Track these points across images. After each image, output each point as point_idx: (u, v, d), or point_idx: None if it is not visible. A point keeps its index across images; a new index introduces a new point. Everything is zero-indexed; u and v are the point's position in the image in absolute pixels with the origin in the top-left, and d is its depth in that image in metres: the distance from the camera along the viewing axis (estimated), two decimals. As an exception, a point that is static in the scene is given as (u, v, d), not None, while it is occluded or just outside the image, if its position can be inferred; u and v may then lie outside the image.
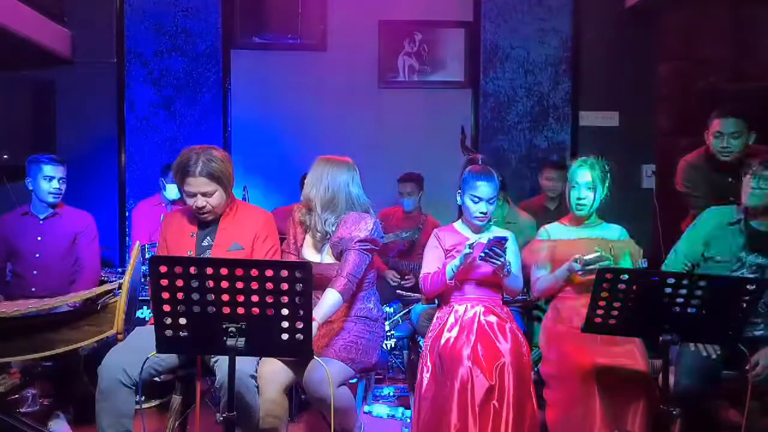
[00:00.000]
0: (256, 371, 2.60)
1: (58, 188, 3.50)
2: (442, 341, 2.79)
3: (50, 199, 3.50)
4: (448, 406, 2.62)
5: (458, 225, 3.05)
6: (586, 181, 2.90)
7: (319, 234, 2.78)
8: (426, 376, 2.78)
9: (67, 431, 3.22)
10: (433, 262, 2.97)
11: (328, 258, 2.79)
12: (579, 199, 2.92)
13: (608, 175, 2.93)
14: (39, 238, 3.51)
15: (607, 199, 2.94)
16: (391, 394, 3.79)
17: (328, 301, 2.59)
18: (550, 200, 4.54)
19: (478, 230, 2.98)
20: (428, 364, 2.80)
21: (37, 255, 3.50)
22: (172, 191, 4.14)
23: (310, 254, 2.83)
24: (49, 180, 3.48)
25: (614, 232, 2.99)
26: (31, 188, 3.52)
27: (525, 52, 5.05)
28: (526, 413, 2.70)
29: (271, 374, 2.60)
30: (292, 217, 2.92)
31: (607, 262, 2.76)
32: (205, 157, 2.66)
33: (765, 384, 2.61)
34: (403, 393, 3.77)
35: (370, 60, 5.08)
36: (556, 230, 3.04)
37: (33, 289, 3.41)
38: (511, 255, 2.88)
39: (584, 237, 2.95)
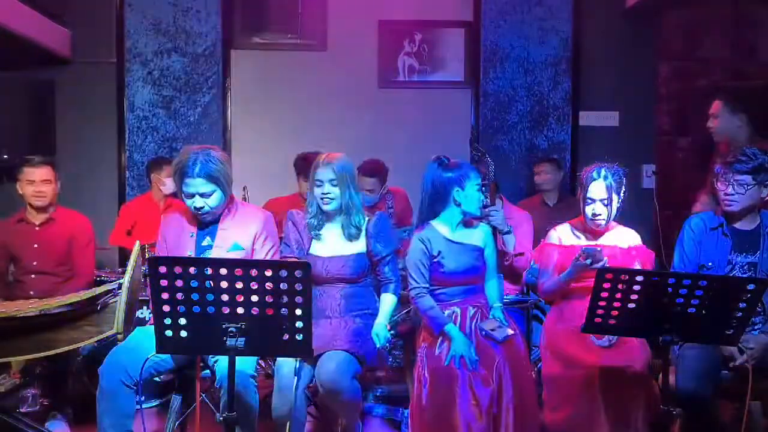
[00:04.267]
0: (256, 371, 2.61)
1: (42, 190, 3.42)
2: (440, 348, 2.75)
3: (35, 202, 3.43)
4: (453, 423, 2.58)
5: (440, 228, 2.90)
6: (601, 197, 2.82)
7: (355, 229, 2.82)
8: (424, 387, 2.73)
9: (65, 431, 3.23)
10: (422, 269, 2.85)
11: (346, 250, 2.82)
12: (595, 215, 2.85)
13: (623, 181, 2.87)
14: (35, 246, 3.48)
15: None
16: (391, 394, 3.79)
17: (389, 306, 2.86)
18: (546, 195, 4.56)
19: (461, 234, 2.92)
20: (426, 375, 2.72)
21: (35, 263, 3.48)
22: (168, 185, 4.16)
23: (326, 253, 2.82)
24: (32, 183, 3.42)
25: (626, 238, 2.93)
26: (21, 193, 3.47)
27: (525, 52, 5.04)
28: (527, 414, 2.69)
29: (284, 367, 2.59)
30: (294, 223, 2.88)
31: (604, 260, 2.75)
32: (203, 158, 2.65)
33: (763, 365, 2.62)
34: (403, 393, 3.77)
35: (370, 60, 5.08)
36: (567, 235, 2.98)
37: (32, 292, 3.41)
38: (491, 250, 2.97)
39: (595, 244, 2.89)
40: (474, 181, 2.86)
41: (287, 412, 2.55)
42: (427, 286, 2.86)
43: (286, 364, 2.61)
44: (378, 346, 2.73)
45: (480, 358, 2.68)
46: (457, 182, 2.85)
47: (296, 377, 2.55)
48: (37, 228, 3.50)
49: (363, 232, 2.84)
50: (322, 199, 2.78)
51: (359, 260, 2.82)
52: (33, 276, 3.49)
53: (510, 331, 2.77)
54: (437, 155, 2.93)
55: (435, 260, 2.85)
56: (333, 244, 2.84)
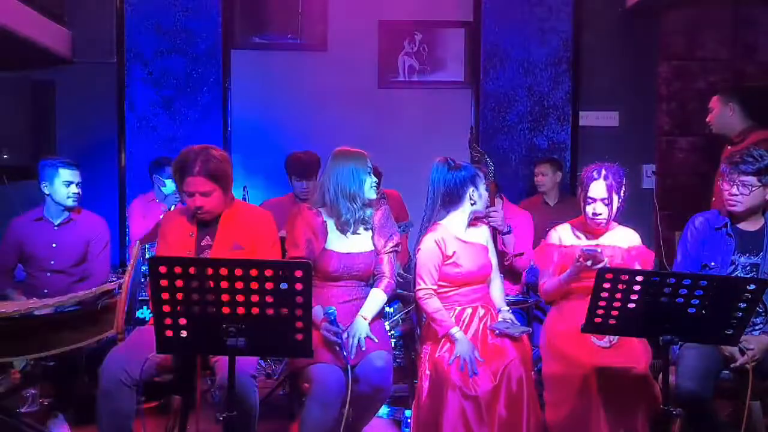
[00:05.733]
0: (256, 371, 2.61)
1: (77, 192, 3.49)
2: (441, 350, 2.76)
3: (70, 203, 3.48)
4: (439, 423, 2.61)
5: (450, 228, 2.91)
6: (601, 197, 2.82)
7: (364, 225, 2.85)
8: (425, 384, 2.78)
9: (66, 431, 3.23)
10: (433, 271, 2.84)
11: (363, 246, 2.84)
12: (595, 215, 2.85)
13: (623, 180, 2.87)
14: (54, 245, 3.50)
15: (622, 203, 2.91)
16: (392, 394, 3.78)
17: (376, 301, 2.82)
18: (546, 195, 4.56)
19: (467, 233, 2.94)
20: (427, 372, 2.79)
21: (52, 262, 3.49)
22: (169, 186, 4.18)
23: (344, 249, 2.82)
24: (68, 185, 3.46)
25: (626, 238, 2.94)
26: (47, 192, 3.48)
27: (525, 52, 5.04)
28: (530, 414, 2.70)
29: (339, 387, 2.57)
30: (306, 221, 2.81)
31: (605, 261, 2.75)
32: (204, 157, 2.65)
33: (764, 366, 2.62)
34: (403, 393, 3.77)
35: (370, 60, 5.07)
36: (567, 236, 2.98)
37: (45, 291, 3.43)
38: (492, 250, 3.00)
39: (595, 244, 2.89)
40: (483, 181, 2.95)
41: (331, 426, 2.57)
42: (435, 287, 2.86)
43: (330, 376, 2.58)
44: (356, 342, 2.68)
45: (490, 357, 2.71)
46: (472, 182, 2.90)
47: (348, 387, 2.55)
48: (56, 228, 3.52)
49: (370, 225, 2.87)
50: (372, 186, 2.83)
51: (374, 255, 2.87)
52: (48, 274, 3.50)
53: (525, 328, 2.83)
54: (444, 156, 2.96)
55: (450, 261, 2.86)
56: (349, 240, 2.84)
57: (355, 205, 2.79)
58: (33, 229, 3.52)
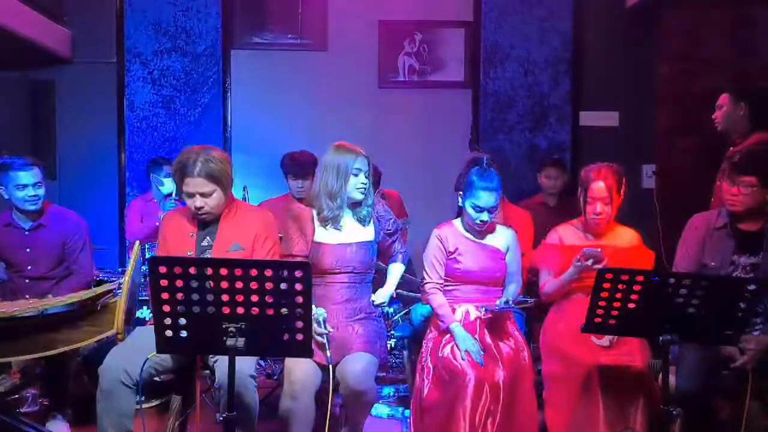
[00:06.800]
0: (256, 371, 2.61)
1: (35, 195, 3.29)
2: (444, 351, 2.77)
3: (29, 207, 3.31)
4: (455, 415, 2.61)
5: (459, 226, 2.99)
6: (601, 197, 2.83)
7: (366, 211, 2.85)
8: (427, 380, 2.78)
9: (65, 431, 3.22)
10: (437, 265, 2.91)
11: (357, 237, 2.82)
12: (596, 214, 2.85)
13: (623, 180, 2.88)
14: (28, 250, 3.37)
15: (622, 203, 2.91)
16: (391, 394, 3.79)
17: (398, 273, 3.02)
18: (549, 197, 4.56)
19: (480, 234, 2.95)
20: (429, 366, 2.80)
21: (29, 267, 3.39)
22: (167, 185, 4.17)
23: (336, 240, 2.80)
24: (23, 188, 3.27)
25: (626, 238, 2.95)
26: (7, 197, 3.31)
27: (525, 52, 5.04)
28: (526, 414, 2.70)
29: (306, 377, 2.59)
30: (296, 219, 2.84)
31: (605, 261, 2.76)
32: (204, 158, 2.65)
33: (763, 366, 2.62)
34: (403, 393, 3.77)
35: (370, 60, 5.08)
36: (567, 236, 2.98)
37: (27, 296, 3.38)
38: (512, 255, 2.96)
39: (596, 244, 2.89)
40: (472, 200, 2.83)
41: (301, 417, 2.57)
42: (441, 282, 2.92)
43: (299, 369, 2.60)
44: (380, 307, 2.87)
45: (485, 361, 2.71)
46: (461, 189, 2.91)
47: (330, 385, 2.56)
48: (27, 232, 3.38)
49: (372, 217, 2.87)
50: (358, 188, 2.78)
51: (370, 248, 2.84)
52: (27, 281, 3.40)
53: (505, 305, 2.78)
54: (487, 155, 2.97)
55: (452, 256, 2.90)
56: (342, 232, 2.82)
57: (334, 204, 2.77)
58: (5, 234, 3.38)
